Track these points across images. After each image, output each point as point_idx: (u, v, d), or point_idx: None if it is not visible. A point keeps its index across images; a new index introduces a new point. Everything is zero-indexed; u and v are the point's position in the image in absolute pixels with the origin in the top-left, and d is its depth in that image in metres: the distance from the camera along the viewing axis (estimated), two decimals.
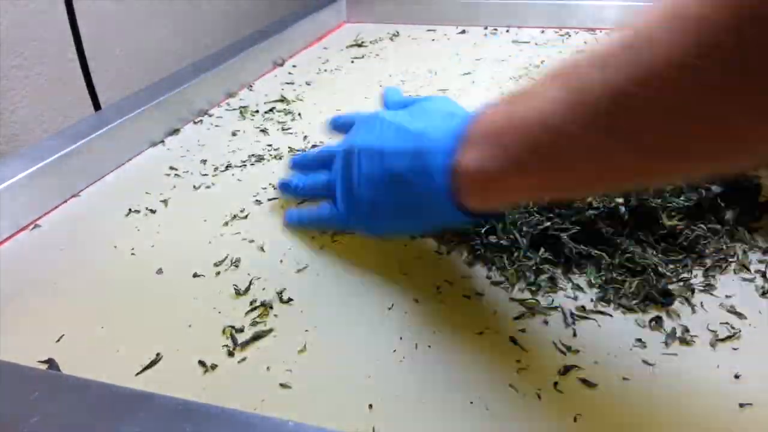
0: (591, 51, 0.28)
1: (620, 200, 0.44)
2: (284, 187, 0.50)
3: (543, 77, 0.31)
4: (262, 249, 0.46)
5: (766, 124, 0.24)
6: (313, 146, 0.61)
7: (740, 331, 0.37)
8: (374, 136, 0.41)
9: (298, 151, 0.60)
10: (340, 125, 0.51)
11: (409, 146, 0.38)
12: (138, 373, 0.35)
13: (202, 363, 0.36)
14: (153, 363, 0.36)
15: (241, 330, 0.38)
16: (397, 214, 0.40)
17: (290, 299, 0.41)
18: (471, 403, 0.33)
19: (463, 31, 0.98)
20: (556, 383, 0.34)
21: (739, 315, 0.38)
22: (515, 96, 0.33)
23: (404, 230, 0.44)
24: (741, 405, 0.32)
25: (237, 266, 0.44)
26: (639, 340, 0.36)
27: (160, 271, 0.44)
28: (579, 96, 0.28)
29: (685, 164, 0.28)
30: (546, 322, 0.38)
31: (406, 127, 0.39)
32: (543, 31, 0.94)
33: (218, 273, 0.44)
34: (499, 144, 0.32)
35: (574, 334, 0.37)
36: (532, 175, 0.32)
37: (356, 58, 0.87)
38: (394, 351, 0.36)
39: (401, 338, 0.37)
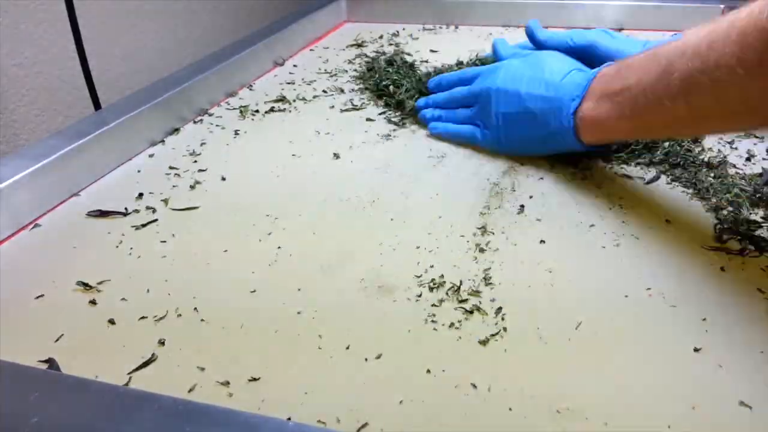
0: (680, 40, 0.41)
1: None
2: (428, 119, 0.64)
3: (646, 54, 0.44)
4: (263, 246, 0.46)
5: None
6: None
7: None
8: (511, 81, 0.55)
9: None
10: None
11: (544, 92, 0.53)
12: (131, 372, 0.35)
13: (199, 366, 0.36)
14: (148, 362, 0.36)
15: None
16: (528, 141, 0.55)
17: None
18: None
19: (457, 29, 0.98)
20: None
21: None
22: (624, 64, 0.47)
23: (531, 153, 0.57)
24: None
25: (239, 257, 0.44)
26: None
27: (160, 270, 0.44)
28: (665, 74, 0.41)
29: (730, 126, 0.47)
30: None
31: (539, 76, 0.54)
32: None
33: (219, 270, 0.44)
34: (612, 100, 0.47)
35: None
36: (629, 122, 0.46)
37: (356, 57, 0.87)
38: None
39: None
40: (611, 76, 0.48)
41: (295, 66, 0.85)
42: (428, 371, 0.35)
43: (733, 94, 0.38)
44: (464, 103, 0.62)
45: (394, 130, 0.65)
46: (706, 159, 0.56)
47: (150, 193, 0.54)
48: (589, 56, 0.64)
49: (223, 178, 0.56)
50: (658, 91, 0.42)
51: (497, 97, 0.56)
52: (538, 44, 0.64)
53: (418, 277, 0.42)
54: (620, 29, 0.92)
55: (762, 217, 0.47)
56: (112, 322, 0.39)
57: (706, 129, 0.50)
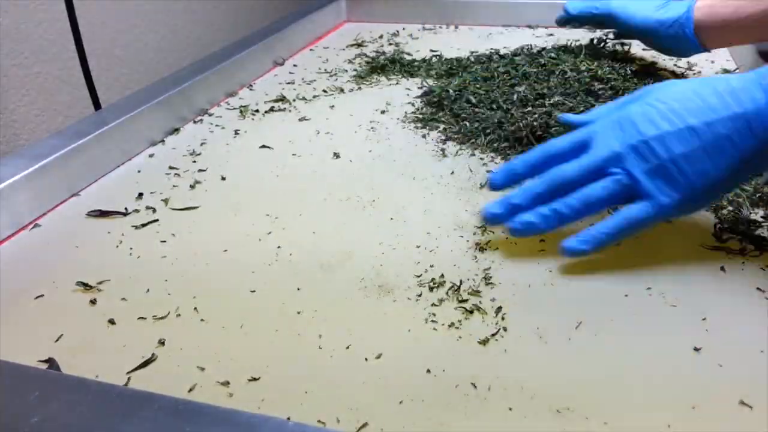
0: None
1: None
2: (526, 226, 0.42)
3: None
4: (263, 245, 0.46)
5: None
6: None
7: None
8: (665, 118, 0.40)
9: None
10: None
11: (721, 104, 0.39)
12: (130, 371, 0.35)
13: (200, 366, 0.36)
14: (148, 362, 0.36)
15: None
16: (731, 175, 0.40)
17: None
18: None
19: (461, 29, 0.98)
20: None
21: None
22: None
23: (728, 190, 0.46)
24: None
25: (239, 258, 0.44)
26: None
27: (160, 270, 0.44)
28: None
29: None
30: None
31: (703, 91, 0.40)
32: (539, 31, 0.94)
33: (219, 270, 0.44)
34: None
35: None
36: None
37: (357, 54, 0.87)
38: None
39: None
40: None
41: (295, 66, 0.86)
42: (428, 371, 0.35)
43: None
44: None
45: (395, 129, 0.65)
46: None
47: (150, 193, 0.54)
48: (610, 23, 0.70)
49: (223, 178, 0.56)
50: None
51: (664, 144, 0.40)
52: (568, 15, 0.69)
53: (418, 276, 0.42)
54: None
55: (762, 217, 0.47)
56: (112, 322, 0.39)
57: None
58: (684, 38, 0.64)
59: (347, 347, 0.37)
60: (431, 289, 0.41)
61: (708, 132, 0.39)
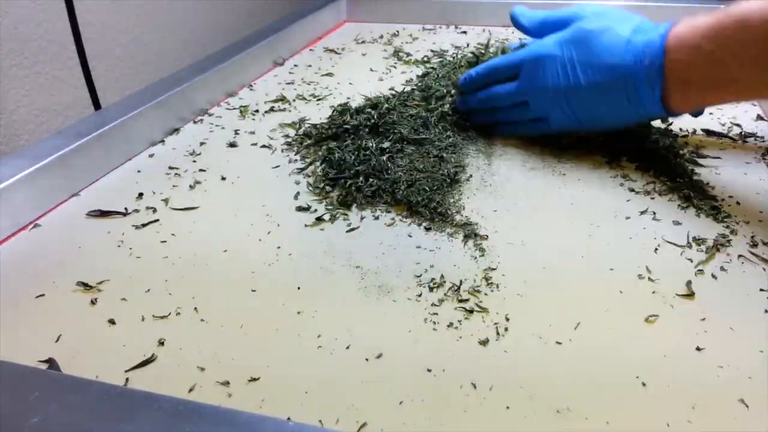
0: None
1: None
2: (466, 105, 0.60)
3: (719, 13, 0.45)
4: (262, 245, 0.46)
5: None
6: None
7: None
8: (566, 48, 0.52)
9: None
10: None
11: (624, 51, 0.50)
12: (129, 369, 0.35)
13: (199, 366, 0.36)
14: (147, 362, 0.36)
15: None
16: (609, 117, 0.52)
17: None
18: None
19: (464, 32, 0.98)
20: None
21: None
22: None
23: (611, 125, 0.54)
24: None
25: (239, 258, 0.44)
26: None
27: (160, 270, 0.44)
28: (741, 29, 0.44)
29: None
30: None
31: (617, 33, 0.51)
32: None
33: (219, 270, 0.44)
34: (698, 53, 0.46)
35: None
36: (725, 72, 0.46)
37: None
38: None
39: None
40: (692, 40, 0.47)
41: (295, 66, 0.86)
42: (428, 370, 0.35)
43: None
44: (508, 78, 0.57)
45: None
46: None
47: (150, 193, 0.54)
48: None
49: (223, 178, 0.56)
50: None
51: (556, 67, 0.53)
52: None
53: (418, 276, 0.42)
54: None
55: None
56: (112, 322, 0.39)
57: None
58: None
59: (347, 347, 0.37)
60: (431, 289, 0.41)
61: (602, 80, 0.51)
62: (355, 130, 0.58)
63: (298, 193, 0.53)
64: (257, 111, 0.71)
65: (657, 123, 0.63)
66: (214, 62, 0.73)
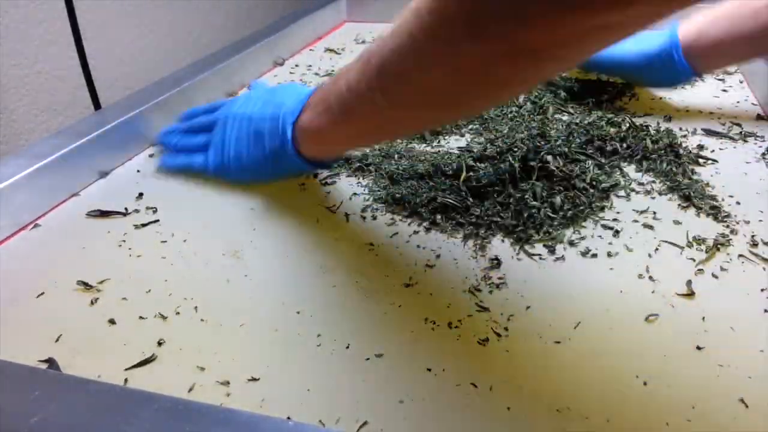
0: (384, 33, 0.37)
1: None
2: (165, 142, 0.59)
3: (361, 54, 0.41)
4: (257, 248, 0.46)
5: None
6: None
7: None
8: (246, 107, 0.53)
9: None
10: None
11: (271, 112, 0.49)
12: (129, 368, 0.35)
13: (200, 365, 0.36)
14: (147, 361, 0.36)
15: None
16: (254, 162, 0.51)
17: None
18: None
19: None
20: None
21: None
22: (343, 69, 0.42)
23: (262, 178, 0.54)
24: None
25: (239, 258, 0.44)
26: None
27: (160, 270, 0.44)
28: (365, 65, 0.39)
29: (434, 113, 0.41)
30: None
31: (270, 99, 0.51)
32: None
33: (218, 270, 0.44)
34: (324, 104, 0.44)
35: None
36: (344, 126, 0.44)
37: None
38: None
39: None
40: (328, 83, 0.45)
41: (295, 66, 0.85)
42: (428, 370, 0.35)
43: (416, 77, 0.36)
44: (204, 130, 0.57)
45: None
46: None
47: (150, 193, 0.54)
48: (589, 65, 0.69)
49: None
50: (360, 84, 0.39)
51: (232, 123, 0.52)
52: None
53: (418, 276, 0.42)
54: None
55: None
56: (112, 321, 0.39)
57: (418, 124, 0.46)
58: (674, 67, 0.62)
59: (347, 347, 0.37)
60: (431, 289, 0.41)
61: (256, 124, 0.51)
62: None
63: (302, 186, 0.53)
64: None
65: (657, 123, 0.63)
66: (214, 62, 0.73)
